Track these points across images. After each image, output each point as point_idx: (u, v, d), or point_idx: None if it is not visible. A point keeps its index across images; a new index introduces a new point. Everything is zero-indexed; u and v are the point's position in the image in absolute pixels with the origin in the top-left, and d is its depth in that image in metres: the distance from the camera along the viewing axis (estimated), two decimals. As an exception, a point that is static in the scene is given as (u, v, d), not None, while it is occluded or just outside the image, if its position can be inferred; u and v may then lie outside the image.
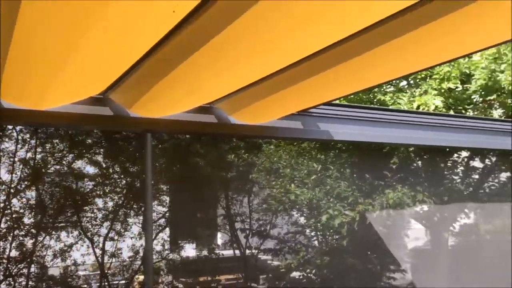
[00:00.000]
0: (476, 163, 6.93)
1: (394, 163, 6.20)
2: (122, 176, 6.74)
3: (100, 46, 1.42)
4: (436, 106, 5.75)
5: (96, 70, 1.66)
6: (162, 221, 6.99)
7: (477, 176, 6.94)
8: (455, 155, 6.83)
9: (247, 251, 7.66)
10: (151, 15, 1.26)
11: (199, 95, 2.08)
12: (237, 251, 7.55)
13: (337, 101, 3.09)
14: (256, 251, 7.74)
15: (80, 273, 6.54)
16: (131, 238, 6.67)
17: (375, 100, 6.39)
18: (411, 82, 6.74)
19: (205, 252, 7.44)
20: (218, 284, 7.52)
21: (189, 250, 7.51)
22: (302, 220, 7.30)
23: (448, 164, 6.84)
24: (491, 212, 6.57)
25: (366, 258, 6.69)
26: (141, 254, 6.64)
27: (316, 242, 7.34)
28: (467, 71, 6.45)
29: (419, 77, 6.34)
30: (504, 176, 6.96)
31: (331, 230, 6.47)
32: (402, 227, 6.58)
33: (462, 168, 7.06)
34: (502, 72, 6.16)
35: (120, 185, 6.73)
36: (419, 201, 5.83)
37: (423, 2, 1.29)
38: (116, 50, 1.50)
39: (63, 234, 6.25)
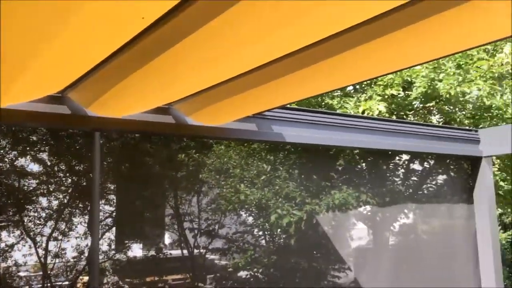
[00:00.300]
0: (416, 166, 7.32)
1: (340, 165, 6.42)
2: (68, 174, 6.57)
3: (63, 46, 1.45)
4: (380, 111, 6.03)
5: (57, 70, 1.67)
6: (109, 220, 6.87)
7: (416, 178, 7.33)
8: (397, 158, 7.18)
9: (195, 251, 7.66)
10: (119, 20, 1.30)
11: (158, 96, 2.13)
12: (185, 251, 7.54)
13: (289, 105, 3.21)
14: (204, 250, 7.75)
15: (22, 274, 6.31)
16: (76, 238, 6.50)
17: (323, 103, 6.62)
18: (357, 87, 7.03)
19: (152, 252, 7.37)
20: (165, 284, 7.46)
21: (136, 250, 7.41)
22: (250, 219, 7.39)
23: (390, 166, 7.17)
24: (429, 213, 6.95)
25: (312, 257, 6.88)
26: (86, 254, 6.49)
27: (263, 242, 7.46)
28: (409, 79, 6.80)
29: (365, 83, 6.63)
30: (441, 178, 7.39)
31: (279, 230, 6.61)
32: (347, 226, 6.83)
33: (402, 170, 7.44)
34: (440, 81, 6.54)
35: (65, 183, 6.55)
36: (363, 201, 6.09)
37: (413, 1, 1.37)
38: (79, 52, 1.53)
39: (4, 234, 6.01)
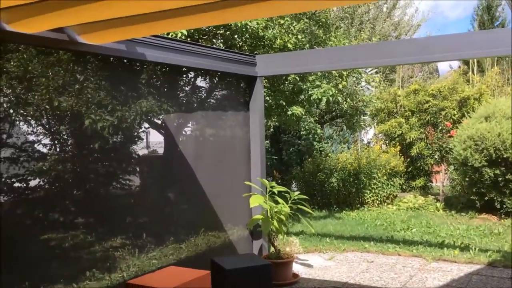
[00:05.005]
0: (204, 83, 8.72)
1: (144, 78, 7.32)
2: None
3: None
4: (183, 33, 7.04)
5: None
6: None
7: (204, 92, 8.78)
8: (190, 74, 8.42)
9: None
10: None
11: (58, 19, 2.79)
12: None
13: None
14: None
15: None
16: None
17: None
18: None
19: None
20: None
21: None
22: (54, 127, 7.56)
23: (183, 81, 8.40)
24: (214, 120, 8.51)
25: (109, 162, 7.54)
26: None
27: (58, 149, 7.64)
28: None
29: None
30: (221, 93, 9.00)
31: (85, 136, 7.09)
32: (148, 131, 7.84)
33: (192, 85, 8.74)
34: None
35: None
36: (164, 110, 7.22)
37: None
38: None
39: None
